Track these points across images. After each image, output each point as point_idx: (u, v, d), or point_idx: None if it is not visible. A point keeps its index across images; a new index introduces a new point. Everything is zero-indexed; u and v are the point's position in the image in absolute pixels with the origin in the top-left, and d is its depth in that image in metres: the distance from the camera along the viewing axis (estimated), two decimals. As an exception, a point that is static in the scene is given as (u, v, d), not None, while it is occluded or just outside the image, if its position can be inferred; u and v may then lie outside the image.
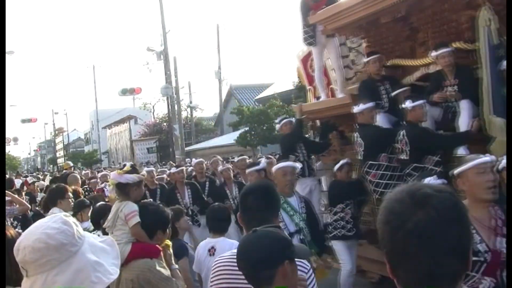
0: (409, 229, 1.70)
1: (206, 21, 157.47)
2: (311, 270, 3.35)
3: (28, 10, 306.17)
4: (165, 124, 51.72)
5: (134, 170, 5.21)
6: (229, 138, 37.05)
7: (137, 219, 4.84)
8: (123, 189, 5.05)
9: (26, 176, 29.67)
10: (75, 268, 2.11)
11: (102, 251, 2.25)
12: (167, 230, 4.94)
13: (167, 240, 5.06)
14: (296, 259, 2.96)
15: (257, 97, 45.39)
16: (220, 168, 12.08)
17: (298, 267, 3.04)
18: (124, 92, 43.69)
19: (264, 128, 29.84)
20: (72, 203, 7.84)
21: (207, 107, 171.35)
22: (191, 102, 54.30)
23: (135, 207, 4.95)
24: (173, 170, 12.63)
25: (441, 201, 1.73)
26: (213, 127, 56.50)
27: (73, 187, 9.72)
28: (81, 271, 2.12)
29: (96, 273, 2.14)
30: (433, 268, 1.70)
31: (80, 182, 12.46)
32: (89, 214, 7.30)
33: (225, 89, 52.47)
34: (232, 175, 11.56)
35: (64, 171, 22.70)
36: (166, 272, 4.67)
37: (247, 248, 2.82)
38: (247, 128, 30.75)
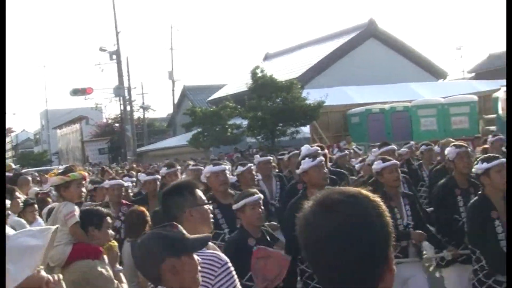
0: (318, 236, 1.72)
1: (159, 22, 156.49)
2: (227, 264, 3.38)
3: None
4: (117, 125, 51.20)
5: (68, 171, 5.24)
6: (182, 139, 36.90)
7: (75, 219, 4.86)
8: (58, 191, 5.21)
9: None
10: None
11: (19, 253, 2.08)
12: (103, 227, 4.81)
13: (113, 241, 5.06)
14: (210, 253, 3.18)
15: (210, 98, 45.39)
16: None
17: (207, 260, 3.19)
18: (76, 92, 43.01)
19: (217, 129, 29.76)
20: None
21: (160, 108, 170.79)
22: (143, 103, 54.03)
23: (73, 207, 4.96)
24: (143, 176, 9.58)
25: (349, 206, 1.74)
26: (166, 128, 56.30)
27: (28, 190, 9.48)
28: None
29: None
30: (344, 273, 1.71)
31: (31, 184, 11.84)
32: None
33: (178, 90, 52.48)
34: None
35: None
36: (108, 273, 4.60)
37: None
38: (200, 129, 30.64)
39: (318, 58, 39.99)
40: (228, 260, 3.41)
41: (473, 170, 5.95)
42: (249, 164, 8.14)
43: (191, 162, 13.32)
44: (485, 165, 5.62)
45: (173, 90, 51.56)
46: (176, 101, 51.52)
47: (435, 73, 42.90)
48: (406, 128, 24.98)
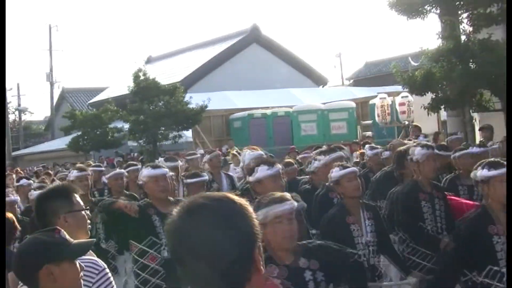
0: (185, 240, 1.75)
1: (37, 21, 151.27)
2: (104, 270, 3.32)
3: None
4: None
5: None
6: (61, 142, 35.87)
7: None
8: None
9: None
10: None
11: None
12: None
13: None
14: (88, 259, 3.11)
15: (90, 101, 44.41)
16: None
17: (86, 267, 3.06)
18: None
19: (98, 132, 29.14)
20: None
21: (37, 110, 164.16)
22: (19, 105, 52.07)
23: None
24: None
25: (213, 210, 1.77)
26: (44, 131, 54.60)
27: None
28: None
29: None
30: (211, 275, 1.73)
31: None
32: None
33: (57, 92, 51.00)
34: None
35: None
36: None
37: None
38: (79, 133, 29.89)
39: (201, 62, 39.99)
40: (105, 266, 3.34)
41: (471, 175, 5.08)
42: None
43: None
44: (487, 172, 4.82)
45: (51, 92, 50.08)
46: (54, 104, 50.03)
47: (316, 80, 43.92)
48: (287, 133, 25.43)
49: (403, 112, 20.08)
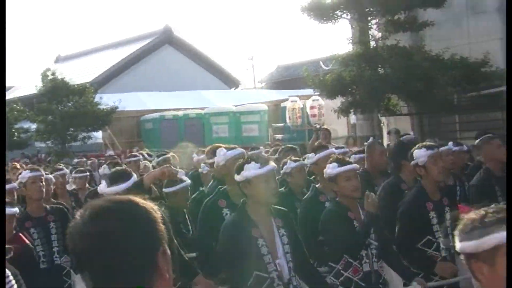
0: (86, 243, 1.71)
1: None
2: (8, 277, 3.24)
3: None
4: None
5: None
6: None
7: None
8: None
9: None
10: None
11: None
12: None
13: None
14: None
15: (-4, 101, 42.79)
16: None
17: None
18: None
19: (3, 133, 28.11)
20: None
21: None
22: None
23: None
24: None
25: (115, 212, 1.74)
26: None
27: None
28: None
29: None
30: (113, 279, 1.69)
31: None
32: None
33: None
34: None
35: None
36: None
37: None
38: (-17, 133, 28.73)
39: (113, 63, 39.43)
40: (10, 273, 3.25)
41: (414, 161, 5.41)
42: None
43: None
44: (428, 152, 5.27)
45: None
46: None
47: (229, 82, 44.06)
48: (199, 134, 25.36)
49: (314, 115, 20.33)
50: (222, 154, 5.54)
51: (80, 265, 1.79)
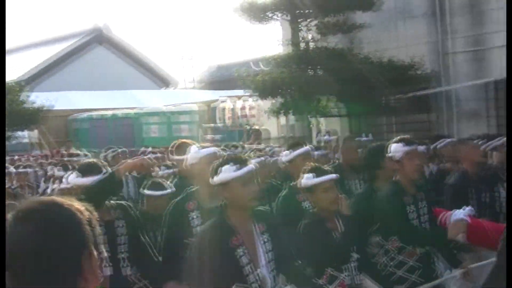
0: (13, 245, 1.70)
1: None
2: None
3: None
4: None
5: None
6: None
7: None
8: None
9: None
10: None
11: None
12: None
13: None
14: None
15: None
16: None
17: None
18: None
19: None
20: None
21: None
22: None
23: None
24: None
25: (40, 214, 1.73)
26: None
27: None
28: None
29: None
30: (40, 282, 1.68)
31: None
32: None
33: None
34: None
35: None
36: None
37: None
38: None
39: (41, 61, 38.51)
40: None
41: (389, 154, 5.11)
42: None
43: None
44: (405, 148, 5.01)
45: None
46: None
47: (162, 81, 43.65)
48: (130, 134, 25.03)
49: (244, 116, 20.31)
50: (194, 152, 5.12)
51: (7, 268, 1.74)
